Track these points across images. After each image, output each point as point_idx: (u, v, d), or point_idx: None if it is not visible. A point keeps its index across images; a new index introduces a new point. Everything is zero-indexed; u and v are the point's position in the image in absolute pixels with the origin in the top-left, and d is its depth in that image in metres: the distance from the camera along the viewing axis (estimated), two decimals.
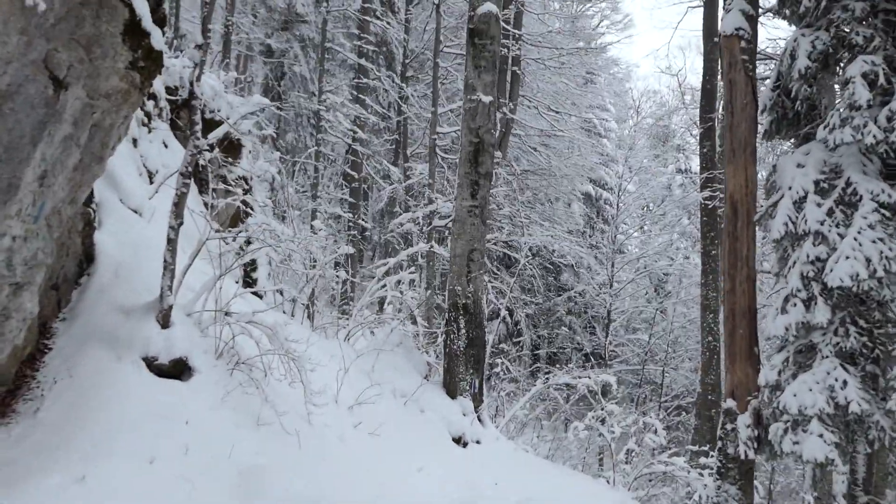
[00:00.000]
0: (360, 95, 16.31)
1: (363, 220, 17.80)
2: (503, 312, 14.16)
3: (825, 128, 7.58)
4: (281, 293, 8.93)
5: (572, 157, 22.04)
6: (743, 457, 8.10)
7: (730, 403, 8.41)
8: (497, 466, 8.28)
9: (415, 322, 9.43)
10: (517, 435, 11.24)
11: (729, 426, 8.28)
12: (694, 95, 33.30)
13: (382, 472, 6.50)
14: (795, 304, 7.56)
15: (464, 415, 8.94)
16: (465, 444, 8.59)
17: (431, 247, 10.14)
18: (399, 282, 9.08)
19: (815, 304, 7.38)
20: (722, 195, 15.28)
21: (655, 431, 8.92)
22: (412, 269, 9.18)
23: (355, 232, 14.58)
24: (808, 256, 7.51)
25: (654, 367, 23.13)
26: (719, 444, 8.41)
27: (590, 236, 26.40)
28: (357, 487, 5.70)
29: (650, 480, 9.20)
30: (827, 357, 7.30)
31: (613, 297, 22.69)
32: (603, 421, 9.27)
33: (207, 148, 6.57)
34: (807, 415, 7.18)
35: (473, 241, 9.18)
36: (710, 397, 13.69)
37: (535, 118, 21.89)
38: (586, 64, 25.19)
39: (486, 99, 9.07)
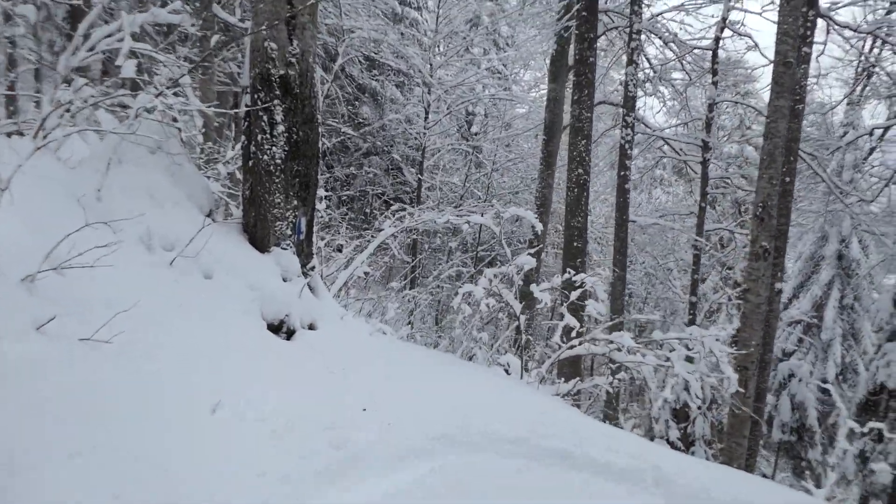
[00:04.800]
0: None
1: None
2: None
3: None
4: None
5: None
6: None
7: None
8: (354, 371, 4.52)
9: (186, 102, 4.99)
10: (351, 305, 7.53)
11: None
12: None
13: (123, 439, 2.47)
14: None
15: (285, 279, 4.97)
16: (290, 334, 4.69)
17: None
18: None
19: None
20: None
21: (595, 297, 5.66)
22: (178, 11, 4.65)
23: None
24: None
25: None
26: None
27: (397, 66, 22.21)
28: None
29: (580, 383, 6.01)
30: None
31: (426, 133, 19.11)
32: (511, 282, 5.77)
33: None
34: None
35: None
36: (575, 244, 10.91)
37: None
38: None
39: None
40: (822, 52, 10.56)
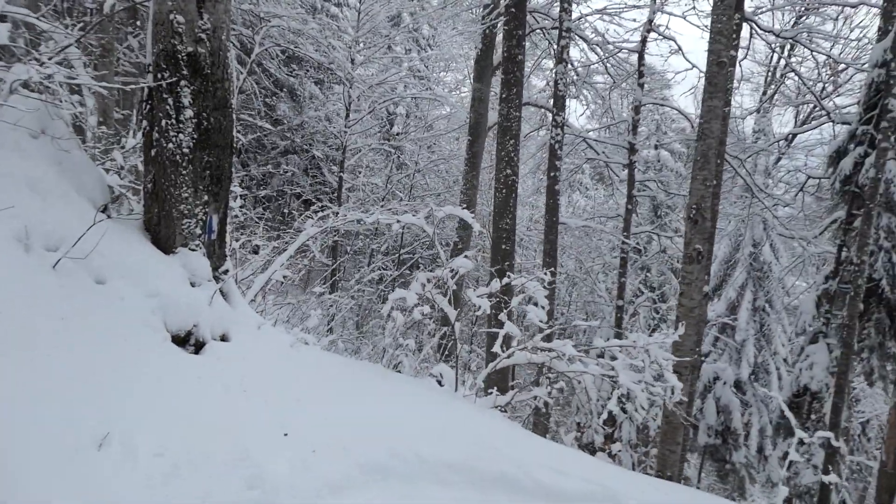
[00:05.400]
0: None
1: None
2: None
3: None
4: None
5: None
6: None
7: None
8: (273, 389, 3.99)
9: (77, 87, 4.36)
10: (269, 312, 6.95)
11: None
12: None
13: None
14: None
15: (193, 284, 4.39)
16: (199, 347, 4.11)
17: None
18: None
19: None
20: None
21: (535, 302, 5.29)
22: None
23: None
24: None
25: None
26: None
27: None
28: None
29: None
30: None
31: (347, 132, 18.49)
32: (443, 287, 5.35)
33: None
34: None
35: None
36: (504, 247, 10.62)
37: None
38: None
39: None
40: (746, 57, 10.71)
